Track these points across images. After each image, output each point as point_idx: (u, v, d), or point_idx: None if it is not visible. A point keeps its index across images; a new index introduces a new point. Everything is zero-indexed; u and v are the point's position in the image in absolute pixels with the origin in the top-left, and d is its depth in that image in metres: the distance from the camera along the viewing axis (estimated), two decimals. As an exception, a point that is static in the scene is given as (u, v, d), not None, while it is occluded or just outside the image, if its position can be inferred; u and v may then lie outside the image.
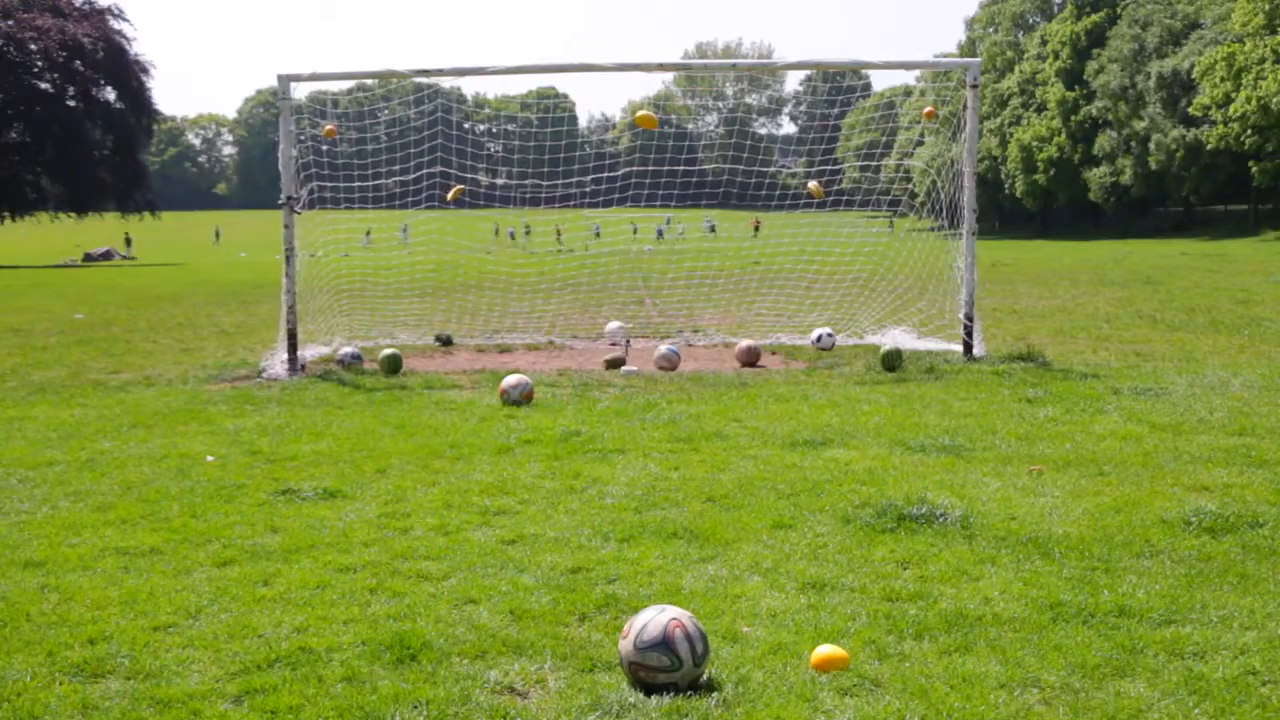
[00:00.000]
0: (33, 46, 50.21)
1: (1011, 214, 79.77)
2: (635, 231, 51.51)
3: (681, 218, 60.55)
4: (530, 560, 5.16)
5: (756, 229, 51.58)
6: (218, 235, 79.91)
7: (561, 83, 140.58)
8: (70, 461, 7.40)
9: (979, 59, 24.02)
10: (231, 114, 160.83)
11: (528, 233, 55.24)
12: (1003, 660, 3.92)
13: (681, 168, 18.93)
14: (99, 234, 63.76)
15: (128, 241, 60.56)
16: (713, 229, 58.42)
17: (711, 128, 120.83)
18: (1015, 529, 5.50)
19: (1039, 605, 4.44)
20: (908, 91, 62.96)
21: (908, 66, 14.63)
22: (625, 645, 3.72)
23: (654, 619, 3.71)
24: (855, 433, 7.99)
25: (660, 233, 54.43)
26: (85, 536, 5.64)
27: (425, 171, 15.07)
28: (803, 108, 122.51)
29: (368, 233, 28.29)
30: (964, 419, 8.47)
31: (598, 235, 43.45)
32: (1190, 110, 56.19)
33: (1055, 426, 8.10)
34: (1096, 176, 68.16)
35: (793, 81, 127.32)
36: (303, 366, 11.81)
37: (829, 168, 18.07)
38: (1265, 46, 50.34)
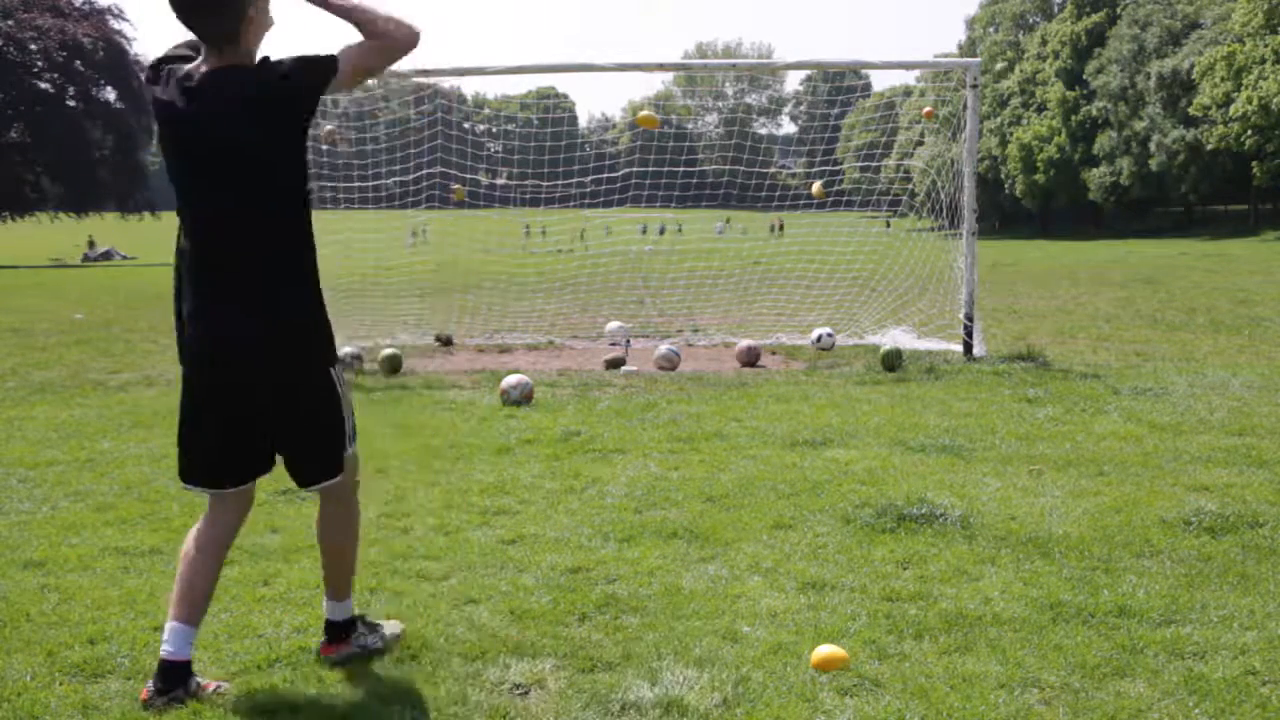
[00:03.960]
0: (33, 46, 50.26)
1: (1011, 214, 79.80)
2: (644, 231, 51.91)
3: (701, 218, 61.01)
4: (530, 560, 5.16)
5: (776, 229, 52.92)
6: None
7: (561, 83, 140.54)
8: (70, 461, 7.40)
9: (979, 59, 24.00)
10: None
11: (543, 233, 55.52)
12: (1003, 660, 3.92)
13: (682, 168, 18.92)
14: (99, 234, 63.73)
15: (90, 244, 60.02)
16: (772, 229, 59.53)
17: (711, 128, 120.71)
18: (1015, 529, 5.49)
19: (1039, 605, 4.44)
20: (908, 91, 63.00)
21: (908, 66, 14.61)
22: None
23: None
24: (855, 433, 7.99)
25: (660, 231, 54.75)
26: (85, 536, 5.63)
27: (425, 172, 15.06)
28: (803, 108, 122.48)
29: (413, 234, 27.92)
30: (964, 419, 8.47)
31: (663, 232, 44.01)
32: (1190, 110, 56.23)
33: (1055, 426, 8.10)
34: (1096, 176, 68.19)
35: (793, 81, 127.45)
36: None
37: (829, 168, 18.08)
38: (1265, 46, 50.37)
